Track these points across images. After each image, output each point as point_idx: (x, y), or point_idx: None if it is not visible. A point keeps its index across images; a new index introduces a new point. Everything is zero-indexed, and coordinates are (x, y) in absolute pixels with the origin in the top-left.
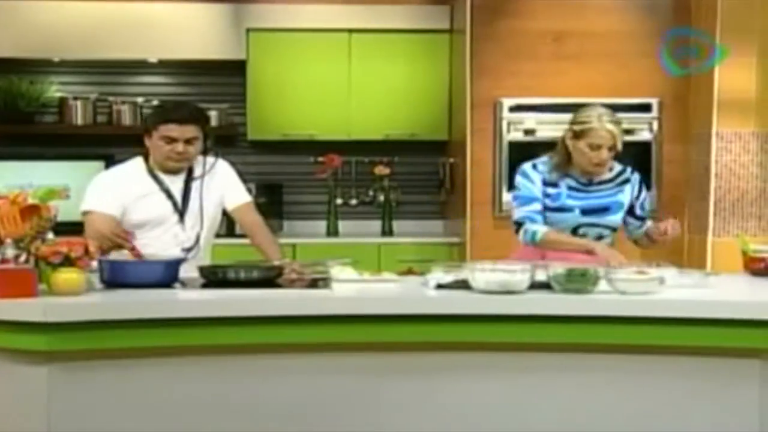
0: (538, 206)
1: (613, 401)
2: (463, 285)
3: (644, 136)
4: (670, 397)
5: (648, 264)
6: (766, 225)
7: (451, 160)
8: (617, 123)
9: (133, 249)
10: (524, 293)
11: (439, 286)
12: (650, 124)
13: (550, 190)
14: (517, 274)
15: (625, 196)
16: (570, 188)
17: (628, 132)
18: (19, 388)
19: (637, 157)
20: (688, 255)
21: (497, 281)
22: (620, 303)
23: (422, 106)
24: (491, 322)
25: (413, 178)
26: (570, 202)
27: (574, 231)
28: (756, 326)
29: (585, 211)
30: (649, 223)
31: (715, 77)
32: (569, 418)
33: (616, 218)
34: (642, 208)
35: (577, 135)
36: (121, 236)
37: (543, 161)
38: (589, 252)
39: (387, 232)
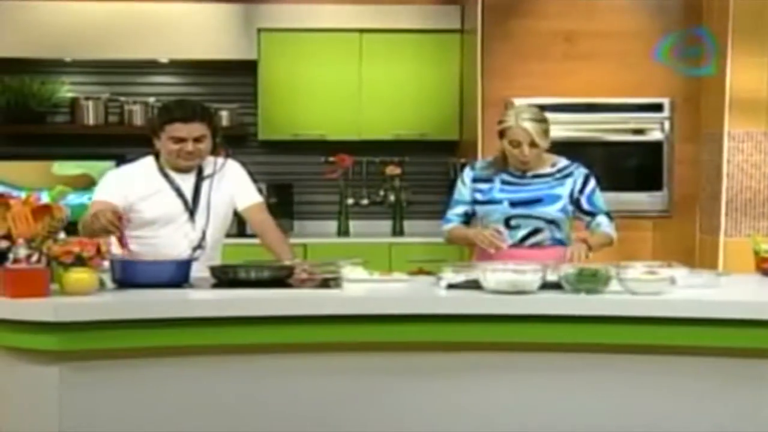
0: (460, 209)
1: (624, 401)
2: (474, 285)
3: (656, 135)
4: (682, 398)
5: (659, 264)
6: None
7: (462, 160)
8: (537, 120)
9: (121, 238)
10: (535, 293)
11: (450, 286)
12: (662, 124)
13: (482, 186)
14: (528, 274)
15: (564, 189)
16: (503, 182)
17: (638, 132)
18: (30, 388)
19: (649, 156)
20: (699, 255)
21: (508, 281)
22: (631, 303)
23: (433, 106)
24: (502, 322)
25: (424, 178)
26: (499, 196)
27: (507, 223)
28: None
29: (514, 204)
30: (602, 218)
31: (726, 77)
32: (579, 417)
33: (549, 210)
34: (590, 202)
35: (501, 134)
36: (114, 222)
37: (483, 160)
38: (471, 243)
39: (398, 231)
